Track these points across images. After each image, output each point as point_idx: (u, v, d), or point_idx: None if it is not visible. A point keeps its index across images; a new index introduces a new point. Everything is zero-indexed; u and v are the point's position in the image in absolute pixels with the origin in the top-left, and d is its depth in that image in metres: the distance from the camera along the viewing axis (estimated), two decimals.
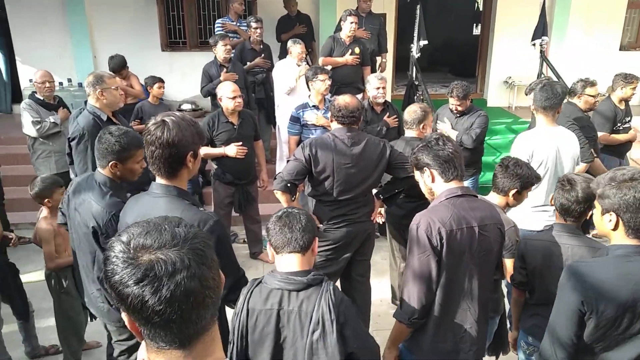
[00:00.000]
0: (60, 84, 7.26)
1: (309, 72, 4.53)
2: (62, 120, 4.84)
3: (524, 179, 2.54)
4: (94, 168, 2.76)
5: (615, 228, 1.79)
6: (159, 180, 1.92)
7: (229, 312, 2.02)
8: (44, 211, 3.21)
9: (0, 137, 6.27)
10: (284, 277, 1.86)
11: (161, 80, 5.28)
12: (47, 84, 4.82)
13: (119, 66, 5.52)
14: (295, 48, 5.30)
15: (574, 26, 7.99)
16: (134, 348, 2.63)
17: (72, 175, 3.58)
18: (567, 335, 1.83)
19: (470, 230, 2.04)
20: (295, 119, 4.50)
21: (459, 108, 4.53)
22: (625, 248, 1.77)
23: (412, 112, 3.61)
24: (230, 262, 1.98)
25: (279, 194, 3.13)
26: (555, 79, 6.55)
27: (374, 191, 3.41)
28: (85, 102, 3.58)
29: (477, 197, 2.20)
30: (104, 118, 3.46)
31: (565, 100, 3.79)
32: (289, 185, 3.08)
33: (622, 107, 4.89)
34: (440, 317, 2.10)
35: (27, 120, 4.72)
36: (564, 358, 1.86)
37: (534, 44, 6.98)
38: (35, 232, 3.24)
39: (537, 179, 2.64)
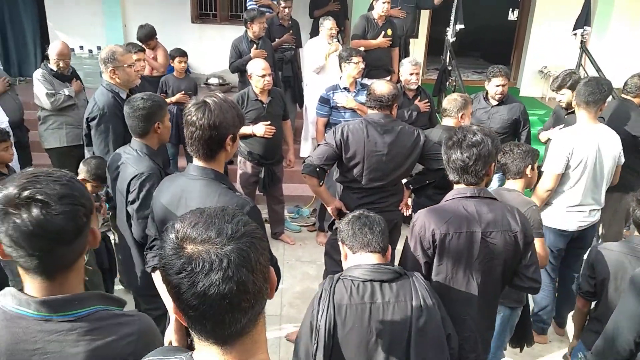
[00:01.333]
0: (90, 51, 7.27)
1: (344, 52, 4.39)
2: (76, 93, 4.55)
3: (531, 152, 2.63)
4: (116, 149, 2.75)
5: None
6: (196, 162, 1.88)
7: None
8: None
9: (29, 103, 6.27)
10: (375, 268, 1.80)
11: (183, 55, 5.11)
12: (62, 63, 4.39)
13: (147, 37, 5.35)
14: (326, 23, 5.19)
15: (617, 16, 7.62)
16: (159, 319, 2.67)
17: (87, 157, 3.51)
18: (626, 339, 1.77)
19: (470, 235, 1.97)
20: (325, 101, 4.40)
21: (504, 89, 4.24)
22: None
23: (452, 100, 3.48)
24: None
25: (307, 178, 3.08)
26: (594, 71, 6.31)
27: (404, 181, 3.34)
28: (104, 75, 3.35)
29: (494, 199, 2.07)
30: (124, 96, 3.27)
31: (612, 97, 3.60)
32: (317, 169, 3.03)
33: None
34: None
35: (41, 92, 4.41)
36: None
37: (574, 34, 6.70)
38: None
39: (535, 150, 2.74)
